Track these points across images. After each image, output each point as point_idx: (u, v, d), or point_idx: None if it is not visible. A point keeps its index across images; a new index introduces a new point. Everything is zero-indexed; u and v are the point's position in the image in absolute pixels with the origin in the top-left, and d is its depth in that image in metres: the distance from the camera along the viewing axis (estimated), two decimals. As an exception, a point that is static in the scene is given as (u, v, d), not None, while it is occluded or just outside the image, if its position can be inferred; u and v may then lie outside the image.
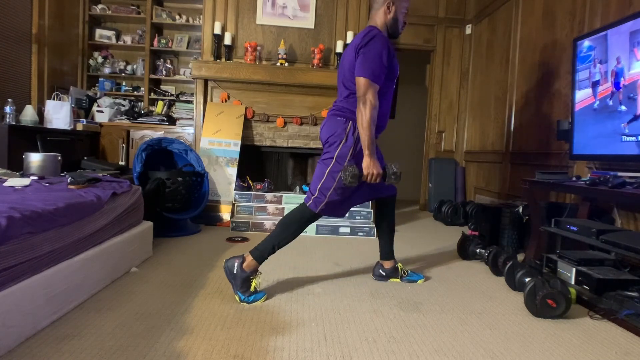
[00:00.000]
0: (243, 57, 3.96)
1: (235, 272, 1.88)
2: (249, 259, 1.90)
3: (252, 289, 1.88)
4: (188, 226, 3.24)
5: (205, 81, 3.94)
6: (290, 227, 1.97)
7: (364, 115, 1.84)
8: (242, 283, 1.87)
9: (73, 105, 4.08)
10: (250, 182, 3.77)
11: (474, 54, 4.97)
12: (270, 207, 3.60)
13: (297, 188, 3.84)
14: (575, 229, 2.23)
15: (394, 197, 2.27)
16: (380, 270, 2.29)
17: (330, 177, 1.94)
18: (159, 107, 4.78)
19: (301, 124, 4.07)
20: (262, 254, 1.91)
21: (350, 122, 1.94)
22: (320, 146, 4.06)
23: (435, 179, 4.98)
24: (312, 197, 1.98)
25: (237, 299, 1.87)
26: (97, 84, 4.75)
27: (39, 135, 3.31)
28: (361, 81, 1.85)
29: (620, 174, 2.11)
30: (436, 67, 5.10)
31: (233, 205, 3.60)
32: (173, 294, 1.91)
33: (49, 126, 3.66)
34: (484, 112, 4.61)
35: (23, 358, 1.29)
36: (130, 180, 2.67)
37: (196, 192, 3.39)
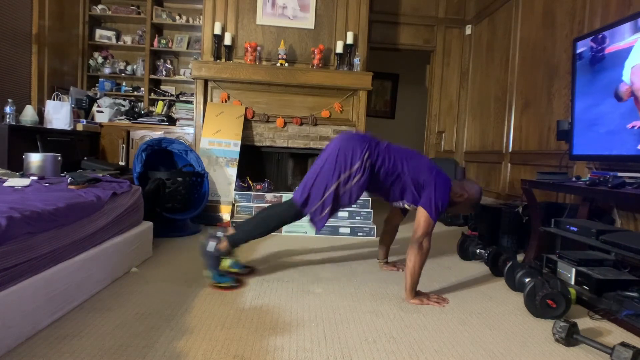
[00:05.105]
0: (243, 58, 3.96)
1: (210, 250, 2.01)
2: (225, 243, 2.03)
3: (225, 267, 2.03)
4: (188, 226, 3.23)
5: (205, 81, 3.94)
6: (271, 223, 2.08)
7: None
8: (215, 261, 2.01)
9: (73, 106, 4.07)
10: (250, 182, 3.77)
11: (474, 54, 4.97)
12: (270, 207, 3.60)
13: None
14: (575, 229, 2.23)
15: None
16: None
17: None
18: (159, 108, 4.78)
19: (301, 124, 4.07)
20: (235, 243, 2.06)
21: None
22: (320, 146, 4.07)
23: (435, 179, 4.97)
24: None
25: (209, 277, 2.00)
26: (97, 84, 4.75)
27: (39, 136, 3.31)
28: None
29: (620, 174, 2.11)
30: (436, 68, 5.10)
31: (233, 205, 3.60)
32: (173, 294, 1.91)
33: (49, 126, 3.66)
34: (484, 112, 4.61)
35: (23, 358, 1.29)
36: (130, 180, 2.67)
37: (196, 192, 3.39)
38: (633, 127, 2.12)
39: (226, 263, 2.03)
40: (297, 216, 2.08)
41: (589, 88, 2.43)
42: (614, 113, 2.25)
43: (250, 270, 2.30)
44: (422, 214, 1.97)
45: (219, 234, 2.07)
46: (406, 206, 2.16)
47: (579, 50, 2.51)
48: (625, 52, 2.17)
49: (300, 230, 3.27)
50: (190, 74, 4.14)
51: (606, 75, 2.30)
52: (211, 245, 2.02)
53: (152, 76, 4.78)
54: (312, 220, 2.04)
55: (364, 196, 3.70)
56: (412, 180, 2.03)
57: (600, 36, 2.32)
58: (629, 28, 2.16)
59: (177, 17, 4.79)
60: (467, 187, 2.13)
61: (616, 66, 2.22)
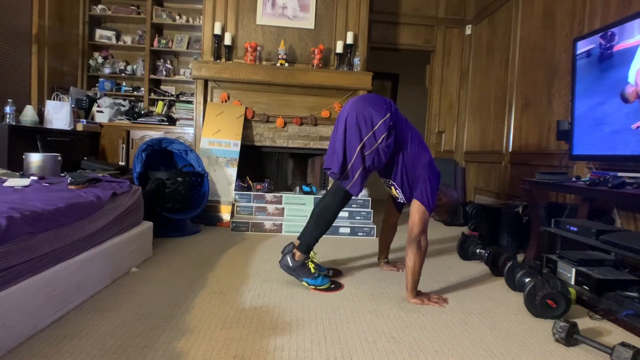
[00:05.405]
0: (243, 58, 3.96)
1: (291, 265, 2.08)
2: (298, 253, 2.09)
3: (312, 270, 2.08)
4: (188, 226, 3.24)
5: (205, 81, 3.94)
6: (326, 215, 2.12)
7: None
8: (302, 270, 2.07)
9: (73, 106, 4.08)
10: (250, 182, 3.77)
11: (474, 54, 4.97)
12: (270, 208, 3.60)
13: (297, 188, 3.84)
14: (575, 229, 2.23)
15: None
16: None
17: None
18: (159, 108, 4.78)
19: (301, 124, 4.07)
20: (307, 248, 2.10)
21: None
22: (320, 146, 4.07)
23: (435, 179, 4.97)
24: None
25: (307, 285, 2.08)
26: (97, 84, 4.76)
27: (39, 136, 3.31)
28: None
29: (620, 174, 2.11)
30: (436, 68, 5.10)
31: (233, 205, 3.60)
32: (173, 294, 1.91)
33: (49, 126, 3.66)
34: (484, 112, 4.61)
35: (23, 358, 1.29)
36: (130, 180, 2.67)
37: (196, 192, 3.39)
38: (638, 127, 2.12)
39: (311, 267, 2.10)
40: (348, 196, 2.08)
41: (592, 87, 2.42)
42: (618, 113, 2.23)
43: (334, 272, 2.36)
44: (416, 208, 1.97)
45: (288, 249, 2.14)
46: (393, 189, 2.15)
47: (581, 50, 2.50)
48: (632, 51, 2.15)
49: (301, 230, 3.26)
50: (190, 74, 4.14)
51: (612, 74, 2.27)
52: (289, 260, 2.10)
53: (152, 76, 4.78)
54: (344, 186, 2.02)
55: (364, 196, 3.70)
56: (408, 165, 2.02)
57: (609, 33, 2.30)
58: (637, 26, 2.13)
59: (177, 17, 4.79)
60: (447, 192, 2.19)
61: (624, 64, 2.20)
